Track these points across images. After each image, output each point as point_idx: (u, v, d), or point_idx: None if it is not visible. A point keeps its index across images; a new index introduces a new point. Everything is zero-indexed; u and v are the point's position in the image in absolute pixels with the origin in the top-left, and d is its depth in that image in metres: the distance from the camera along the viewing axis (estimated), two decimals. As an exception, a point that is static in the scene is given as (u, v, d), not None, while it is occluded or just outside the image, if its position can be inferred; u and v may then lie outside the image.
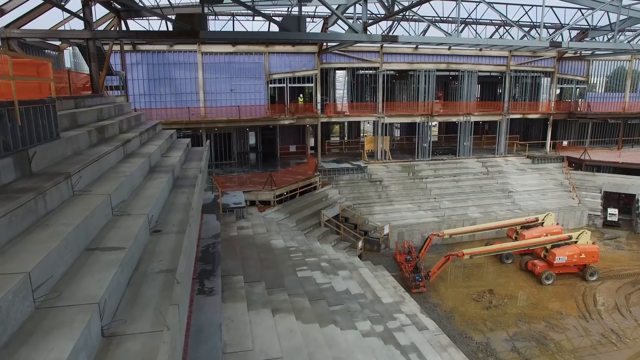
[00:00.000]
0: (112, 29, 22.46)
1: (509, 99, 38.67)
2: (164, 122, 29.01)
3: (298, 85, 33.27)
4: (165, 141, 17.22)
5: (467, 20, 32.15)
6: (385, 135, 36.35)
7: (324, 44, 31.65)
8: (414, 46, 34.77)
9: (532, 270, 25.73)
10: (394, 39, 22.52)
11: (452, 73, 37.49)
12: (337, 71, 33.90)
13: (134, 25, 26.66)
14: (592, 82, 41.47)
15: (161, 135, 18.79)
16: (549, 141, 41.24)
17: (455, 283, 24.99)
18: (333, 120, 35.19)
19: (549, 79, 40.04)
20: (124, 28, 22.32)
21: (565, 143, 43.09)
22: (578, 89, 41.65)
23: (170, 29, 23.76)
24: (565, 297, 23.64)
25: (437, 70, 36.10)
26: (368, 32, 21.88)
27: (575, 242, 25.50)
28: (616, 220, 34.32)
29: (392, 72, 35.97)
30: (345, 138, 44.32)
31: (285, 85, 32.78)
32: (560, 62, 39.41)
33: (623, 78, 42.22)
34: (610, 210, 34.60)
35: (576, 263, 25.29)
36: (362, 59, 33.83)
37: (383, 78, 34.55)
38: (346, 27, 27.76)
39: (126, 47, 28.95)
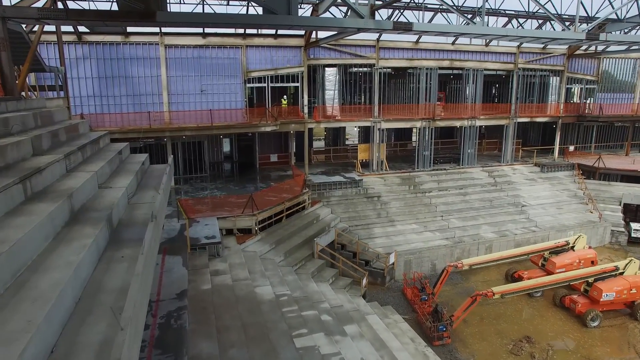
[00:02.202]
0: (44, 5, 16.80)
1: (517, 100, 34.59)
2: (119, 131, 23.45)
3: (281, 84, 28.16)
4: (110, 162, 11.80)
5: (477, 10, 27.69)
6: (382, 142, 31.62)
7: (312, 36, 26.68)
8: (414, 40, 30.22)
9: (570, 307, 21.44)
10: (408, 27, 17.78)
11: (455, 71, 33.14)
12: (326, 68, 29.05)
13: (76, 6, 20.98)
14: (602, 81, 37.88)
15: (105, 152, 13.31)
16: (557, 147, 37.44)
17: (482, 328, 20.36)
18: (322, 125, 30.24)
19: (558, 78, 36.20)
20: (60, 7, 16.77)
21: (572, 148, 39.43)
22: (587, 89, 37.96)
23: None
24: (619, 344, 19.36)
25: (440, 67, 31.63)
26: (376, 18, 17.03)
27: (622, 272, 21.36)
28: (641, 236, 30.60)
29: (389, 69, 31.30)
30: (332, 145, 39.36)
31: (266, 84, 27.61)
32: (570, 60, 35.64)
33: (634, 78, 38.90)
34: (635, 226, 30.83)
35: (625, 300, 21.11)
36: (356, 54, 28.98)
37: (379, 76, 29.81)
38: (341, 14, 22.90)
39: (69, 37, 23.25)
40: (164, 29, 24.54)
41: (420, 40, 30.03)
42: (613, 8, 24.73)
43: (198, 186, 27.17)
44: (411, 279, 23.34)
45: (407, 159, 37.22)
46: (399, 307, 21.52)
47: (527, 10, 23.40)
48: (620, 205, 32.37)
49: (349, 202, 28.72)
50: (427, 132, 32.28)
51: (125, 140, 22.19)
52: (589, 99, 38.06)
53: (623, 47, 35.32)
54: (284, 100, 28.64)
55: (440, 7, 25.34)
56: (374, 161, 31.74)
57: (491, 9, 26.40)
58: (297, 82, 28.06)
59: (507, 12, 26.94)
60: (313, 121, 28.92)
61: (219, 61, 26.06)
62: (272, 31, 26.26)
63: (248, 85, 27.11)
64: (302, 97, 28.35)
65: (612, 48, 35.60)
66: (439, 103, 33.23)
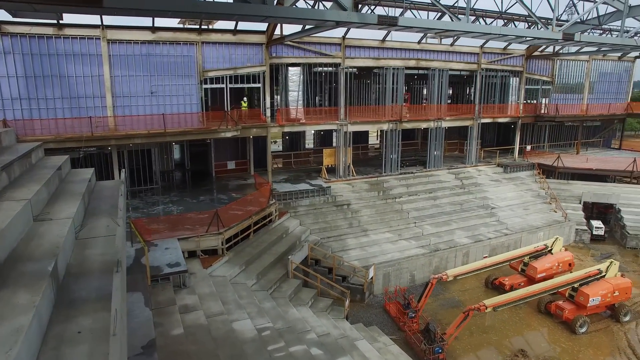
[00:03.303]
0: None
1: (480, 101, 34.20)
2: (54, 140, 19.91)
3: (241, 85, 25.63)
4: (47, 183, 9.04)
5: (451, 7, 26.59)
6: (349, 146, 29.89)
7: (276, 32, 24.40)
8: (380, 38, 28.78)
9: (556, 314, 20.73)
10: (393, 22, 16.07)
11: (421, 71, 32.09)
12: (290, 68, 26.88)
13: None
14: (556, 82, 38.52)
15: (40, 169, 10.44)
16: (517, 147, 37.58)
17: (474, 343, 19.06)
18: (286, 129, 27.99)
19: (517, 78, 36.29)
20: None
21: (528, 148, 39.85)
22: (543, 90, 38.45)
23: None
24: (610, 350, 18.77)
25: (406, 67, 30.42)
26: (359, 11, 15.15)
27: (604, 275, 20.94)
28: (602, 234, 31.03)
29: (355, 69, 29.62)
30: (290, 149, 37.07)
31: (224, 85, 24.96)
32: (528, 61, 35.82)
33: (582, 79, 39.98)
34: (596, 224, 31.25)
35: (608, 303, 20.69)
36: (321, 53, 27.02)
37: (345, 77, 28.04)
38: (309, 7, 20.87)
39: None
40: (106, 21, 21.29)
41: (386, 39, 28.63)
42: (578, 13, 24.62)
43: (149, 200, 23.99)
44: (392, 294, 21.75)
45: (369, 162, 35.83)
46: (384, 326, 19.80)
47: (500, 9, 22.52)
48: (580, 203, 32.80)
49: (318, 211, 26.70)
50: (394, 135, 30.96)
51: (62, 151, 18.84)
52: (544, 99, 38.57)
53: (574, 49, 36.11)
54: (244, 102, 26.13)
55: (411, 4, 23.89)
56: (341, 166, 29.94)
57: (459, 7, 25.37)
58: (259, 82, 25.64)
59: (476, 10, 26.17)
60: (276, 125, 26.62)
61: (172, 59, 23.11)
62: (231, 26, 23.70)
63: (204, 86, 24.30)
64: (264, 99, 25.96)
65: (564, 50, 36.30)
66: (404, 104, 32.05)
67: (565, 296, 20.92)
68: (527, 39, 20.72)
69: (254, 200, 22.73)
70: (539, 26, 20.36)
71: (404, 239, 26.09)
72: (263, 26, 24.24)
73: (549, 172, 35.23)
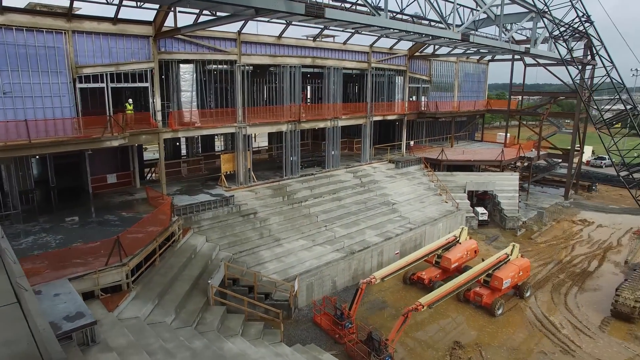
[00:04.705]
0: None
1: (372, 99, 34.77)
2: None
3: (125, 84, 21.68)
4: None
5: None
6: (248, 149, 27.70)
7: (164, 22, 21.10)
8: (277, 35, 27.15)
9: (475, 300, 21.61)
10: (320, 14, 14.61)
11: (316, 70, 31.25)
12: (181, 65, 23.57)
13: None
14: (433, 81, 41.29)
15: None
16: (404, 143, 39.28)
17: (411, 344, 18.72)
18: (180, 134, 24.58)
19: (402, 77, 37.81)
20: None
21: (412, 143, 42.08)
22: (423, 88, 40.86)
23: None
24: (524, 324, 20.13)
25: (303, 65, 29.28)
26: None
27: (509, 259, 22.51)
28: (486, 219, 34.03)
29: (251, 67, 27.43)
30: (172, 156, 33.15)
31: (104, 84, 20.80)
32: (410, 61, 37.61)
33: (452, 79, 43.61)
34: (480, 210, 34.13)
35: (515, 283, 22.26)
36: (215, 49, 24.32)
37: (242, 75, 25.78)
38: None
39: None
40: None
41: (283, 35, 27.07)
42: (472, 15, 26.24)
43: (10, 231, 18.76)
44: (321, 305, 20.43)
45: (264, 165, 34.03)
46: (320, 342, 18.40)
47: (400, 8, 22.72)
48: (465, 192, 35.55)
49: (224, 224, 24.10)
50: (294, 136, 29.64)
51: None
52: (423, 97, 41.05)
53: (446, 50, 39.05)
54: (130, 105, 22.13)
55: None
56: (241, 172, 27.59)
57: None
58: (146, 81, 21.96)
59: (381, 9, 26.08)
60: (169, 130, 23.21)
61: (31, 50, 18.27)
62: (110, 12, 19.79)
63: (79, 85, 19.82)
64: (154, 101, 22.38)
65: (439, 51, 39.03)
66: (301, 104, 30.90)
67: (480, 282, 21.93)
68: (434, 37, 21.12)
69: (153, 218, 19.28)
70: (442, 27, 20.90)
71: (319, 245, 24.95)
72: (150, 15, 20.81)
73: (434, 165, 37.51)
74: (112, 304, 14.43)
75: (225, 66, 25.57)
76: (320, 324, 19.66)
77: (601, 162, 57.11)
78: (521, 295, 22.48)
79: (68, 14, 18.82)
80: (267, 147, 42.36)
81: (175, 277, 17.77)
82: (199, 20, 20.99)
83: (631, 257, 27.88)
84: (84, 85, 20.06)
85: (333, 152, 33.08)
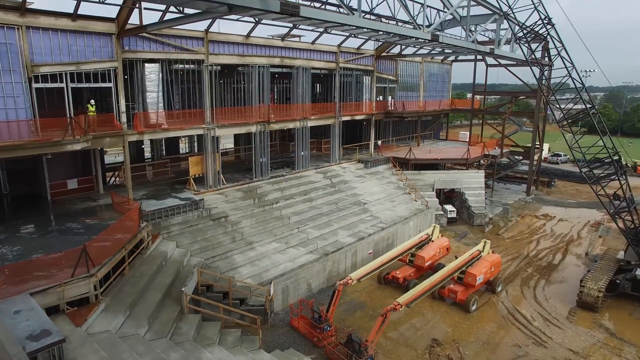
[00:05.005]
0: None
1: (340, 99, 34.71)
2: None
3: (87, 85, 20.54)
4: None
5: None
6: (217, 151, 27.01)
7: (129, 19, 20.15)
8: (245, 34, 26.58)
9: (450, 297, 21.89)
10: (295, 12, 14.27)
11: (285, 70, 30.86)
12: (147, 64, 22.57)
13: None
14: (400, 81, 41.73)
15: None
16: (372, 142, 39.48)
17: (390, 344, 18.68)
18: (147, 136, 23.56)
19: (369, 77, 37.97)
20: None
21: (380, 143, 42.37)
22: (390, 88, 41.22)
23: None
24: (497, 319, 20.56)
25: (272, 65, 28.82)
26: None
27: (481, 255, 22.96)
28: (455, 216, 34.69)
29: (219, 67, 26.73)
30: (137, 159, 31.88)
31: (64, 84, 19.63)
32: (377, 61, 37.84)
33: (418, 79, 44.26)
34: (449, 208, 34.76)
35: (488, 279, 22.72)
36: (182, 48, 23.50)
37: (210, 75, 25.07)
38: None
39: None
40: None
41: (251, 35, 26.52)
42: (439, 17, 26.60)
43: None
44: (297, 308, 20.10)
45: (234, 167, 33.32)
46: (298, 346, 18.10)
47: (370, 7, 22.77)
48: (433, 191, 36.11)
49: (194, 229, 23.34)
50: (263, 137, 29.14)
51: None
52: (390, 97, 41.41)
53: (411, 51, 39.58)
54: (92, 106, 20.98)
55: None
56: (210, 175, 26.85)
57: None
58: (109, 81, 20.90)
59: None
60: (135, 132, 22.21)
61: (-19, 48, 17.02)
62: (69, 8, 18.67)
63: (35, 85, 18.57)
64: (118, 102, 21.34)
65: (405, 52, 39.50)
66: (270, 104, 30.42)
67: (454, 279, 22.22)
68: (405, 37, 21.19)
69: (121, 225, 18.35)
70: (412, 27, 21.01)
71: (292, 247, 24.60)
72: (113, 11, 19.85)
73: (402, 164, 37.89)
74: (80, 318, 13.58)
75: (192, 66, 24.78)
76: (297, 328, 19.35)
77: (557, 159, 59.66)
78: (493, 290, 22.97)
79: (21, 8, 17.61)
80: (233, 149, 41.53)
81: (147, 286, 16.99)
82: (166, 18, 20.15)
83: (591, 249, 29.14)
84: (41, 85, 18.84)
85: (303, 153, 32.78)
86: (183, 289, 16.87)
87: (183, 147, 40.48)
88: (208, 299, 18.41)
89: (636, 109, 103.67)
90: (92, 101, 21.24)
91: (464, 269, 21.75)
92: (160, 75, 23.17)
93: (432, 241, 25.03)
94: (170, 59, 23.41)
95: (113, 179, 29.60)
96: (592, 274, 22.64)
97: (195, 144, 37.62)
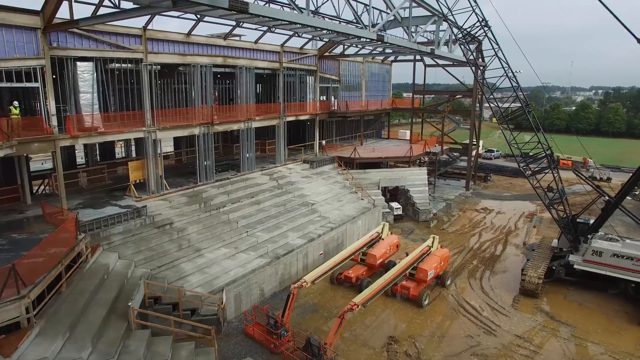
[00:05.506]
0: None
1: (284, 99, 34.28)
2: None
3: (8, 84, 18.58)
4: None
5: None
6: (159, 155, 25.66)
7: (57, 13, 18.50)
8: (186, 32, 25.45)
9: (402, 294, 22.21)
10: (244, 8, 13.71)
11: (227, 69, 29.92)
12: (79, 63, 20.80)
13: None
14: (342, 81, 42.00)
15: None
16: (317, 142, 39.42)
17: (348, 345, 18.60)
18: (81, 141, 21.74)
19: (312, 77, 37.84)
20: None
21: (324, 142, 42.42)
22: (333, 88, 41.37)
23: None
24: (449, 312, 21.16)
25: (214, 65, 27.83)
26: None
27: (430, 251, 23.54)
28: (401, 213, 35.44)
29: (159, 67, 25.32)
30: (69, 165, 29.53)
31: (-18, 85, 17.66)
32: (320, 61, 37.81)
33: (360, 79, 44.82)
34: (395, 205, 35.47)
35: (438, 274, 23.32)
36: (118, 46, 22.00)
37: (150, 75, 23.72)
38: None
39: None
40: None
41: (192, 33, 25.43)
42: (382, 18, 26.85)
43: None
44: (252, 315, 19.49)
45: (176, 171, 31.88)
46: (256, 354, 17.61)
47: (315, 6, 22.58)
48: (379, 189, 36.67)
49: (138, 238, 22.00)
50: (207, 139, 28.08)
51: None
52: (333, 97, 41.58)
53: (353, 51, 40.01)
54: (15, 108, 19.00)
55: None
56: (152, 180, 25.44)
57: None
58: (36, 81, 19.06)
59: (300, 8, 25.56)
60: (67, 137, 20.47)
61: None
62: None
63: (-53, 85, 16.57)
64: (47, 104, 19.54)
65: (347, 52, 39.81)
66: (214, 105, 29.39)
67: (406, 276, 22.57)
68: (351, 37, 21.24)
69: (55, 238, 16.79)
70: (358, 26, 21.10)
71: (242, 252, 23.90)
72: (38, 4, 18.11)
73: (347, 163, 38.15)
74: (8, 347, 12.19)
75: (130, 65, 23.26)
76: (253, 335, 18.79)
77: (491, 155, 63.05)
78: (443, 284, 23.63)
79: None
80: (174, 152, 39.77)
81: (88, 303, 15.68)
82: (100, 13, 18.71)
83: (527, 238, 30.95)
84: (-47, 85, 16.80)
85: (248, 155, 32.01)
86: (129, 304, 15.75)
87: (119, 151, 38.16)
88: (157, 312, 17.36)
89: (555, 107, 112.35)
90: (16, 103, 19.29)
91: (415, 265, 22.16)
92: (95, 74, 21.53)
93: (383, 239, 25.35)
94: (105, 58, 21.82)
95: (42, 187, 27.25)
96: (532, 262, 23.96)
97: (133, 147, 35.57)
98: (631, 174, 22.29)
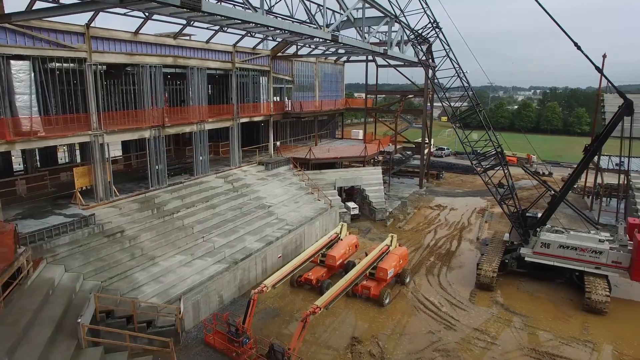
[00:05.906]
0: None
1: (238, 100, 33.57)
2: None
3: None
4: None
5: None
6: (107, 160, 24.35)
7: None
8: (133, 31, 24.28)
9: (363, 293, 22.26)
10: (197, 6, 13.12)
11: (178, 70, 28.86)
12: (13, 61, 19.18)
13: None
14: (295, 82, 41.74)
15: None
16: (271, 144, 38.95)
17: (311, 348, 18.39)
18: (19, 146, 20.15)
19: (266, 77, 37.32)
20: None
21: (278, 144, 42.03)
22: (286, 89, 41.03)
23: None
24: (410, 309, 21.43)
25: (164, 65, 26.75)
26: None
27: (389, 250, 23.77)
28: (358, 212, 35.68)
29: (105, 67, 23.99)
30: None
31: None
32: (273, 61, 37.36)
33: (313, 79, 44.74)
34: (351, 205, 35.65)
35: (397, 272, 23.57)
36: (58, 44, 20.59)
37: (95, 75, 22.41)
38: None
39: None
40: None
41: (140, 32, 24.28)
42: (335, 18, 26.82)
43: None
44: (211, 323, 18.84)
45: (126, 176, 30.45)
46: (219, 367, 16.93)
47: (269, 6, 22.15)
48: (335, 189, 36.74)
49: (86, 248, 20.75)
50: (158, 142, 26.98)
51: None
52: (286, 97, 41.26)
53: (306, 51, 39.90)
54: (-58, 111, 17.31)
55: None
56: (100, 186, 24.10)
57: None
58: (-36, 82, 17.49)
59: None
60: (2, 142, 18.91)
61: None
62: None
63: None
64: (-23, 106, 17.97)
65: (300, 52, 39.64)
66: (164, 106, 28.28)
67: (366, 275, 22.65)
68: (306, 36, 21.05)
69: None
70: (312, 26, 20.94)
71: (198, 258, 23.13)
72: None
73: (302, 164, 37.96)
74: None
75: (72, 65, 21.84)
76: (214, 345, 18.15)
77: (442, 152, 64.96)
78: (402, 282, 23.93)
79: None
80: (122, 156, 37.99)
81: (31, 323, 14.54)
82: (36, 7, 17.39)
83: (480, 233, 32.04)
84: None
85: (201, 158, 31.08)
86: (79, 320, 14.73)
87: (62, 156, 35.95)
88: (109, 326, 16.42)
89: (499, 106, 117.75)
90: (-57, 106, 17.61)
91: (375, 264, 22.29)
92: (32, 74, 20.04)
93: (341, 239, 25.34)
94: (44, 57, 20.36)
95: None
96: (486, 257, 24.76)
97: (77, 152, 33.63)
98: (571, 169, 23.55)
